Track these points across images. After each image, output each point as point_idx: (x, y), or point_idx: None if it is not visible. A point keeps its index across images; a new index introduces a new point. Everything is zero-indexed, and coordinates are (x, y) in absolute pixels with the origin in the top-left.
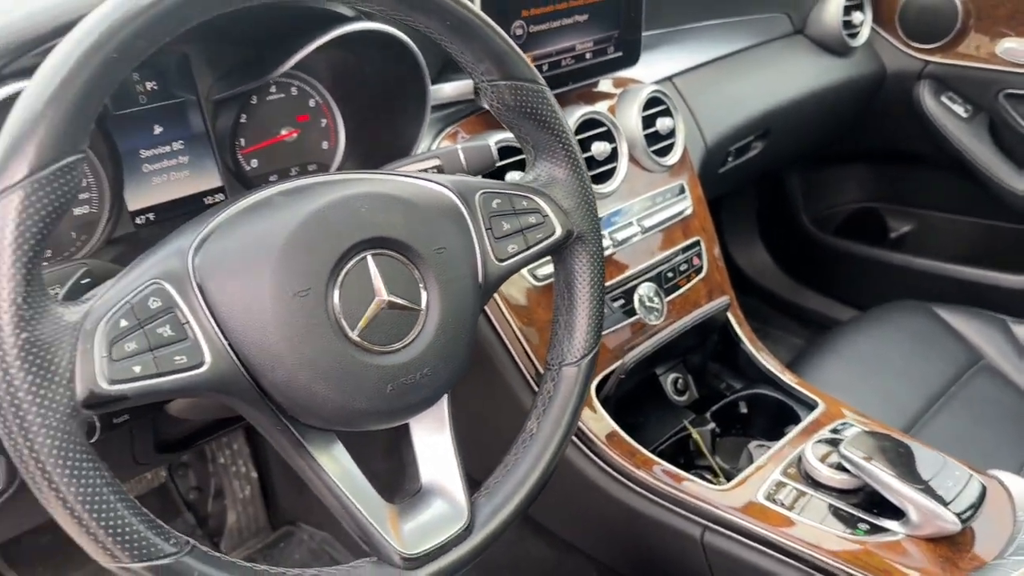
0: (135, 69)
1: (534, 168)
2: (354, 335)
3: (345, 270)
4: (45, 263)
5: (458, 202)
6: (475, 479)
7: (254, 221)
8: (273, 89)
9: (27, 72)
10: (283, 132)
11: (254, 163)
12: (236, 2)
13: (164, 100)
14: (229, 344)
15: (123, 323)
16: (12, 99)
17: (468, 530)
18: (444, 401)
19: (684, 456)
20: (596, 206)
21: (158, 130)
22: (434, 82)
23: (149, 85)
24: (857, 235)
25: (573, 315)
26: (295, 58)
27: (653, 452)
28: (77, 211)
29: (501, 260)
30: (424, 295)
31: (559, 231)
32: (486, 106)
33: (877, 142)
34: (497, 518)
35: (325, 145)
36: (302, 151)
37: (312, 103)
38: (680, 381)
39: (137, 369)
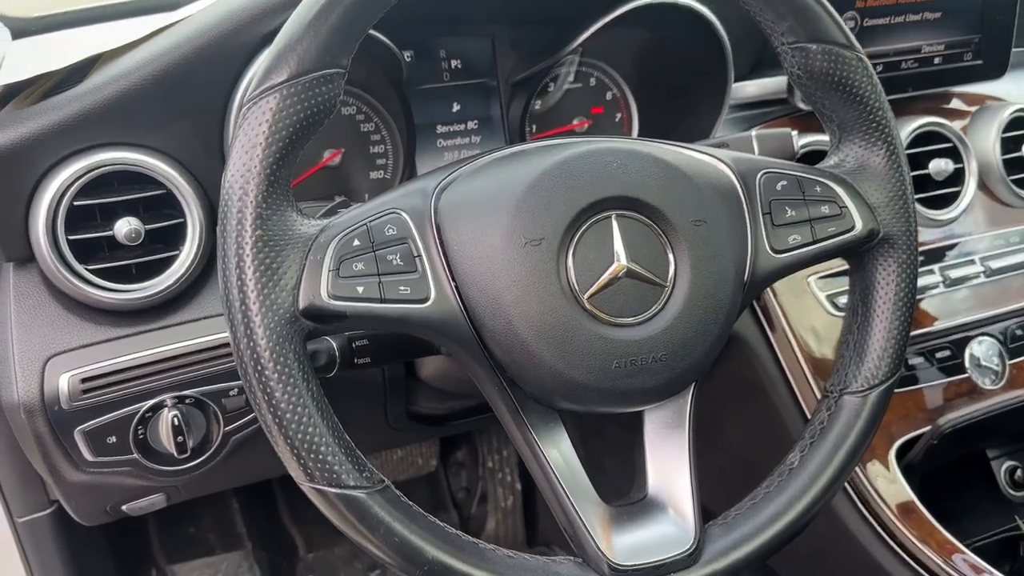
0: (444, 47)
1: (838, 151)
2: (584, 298)
3: (585, 227)
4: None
5: (734, 178)
6: (708, 510)
7: (503, 168)
8: (572, 78)
9: None
10: (575, 122)
11: None
12: None
13: (466, 79)
14: (456, 285)
15: (356, 243)
16: None
17: (692, 558)
18: (686, 406)
19: (1010, 563)
20: (914, 206)
21: (456, 108)
22: (742, 79)
23: (454, 63)
24: None
25: (867, 333)
26: (591, 30)
27: (968, 549)
28: (373, 174)
29: (777, 251)
30: (672, 269)
31: (859, 228)
32: (787, 75)
33: None
34: (730, 556)
35: None
36: None
37: (609, 95)
38: (1020, 472)
39: (360, 290)
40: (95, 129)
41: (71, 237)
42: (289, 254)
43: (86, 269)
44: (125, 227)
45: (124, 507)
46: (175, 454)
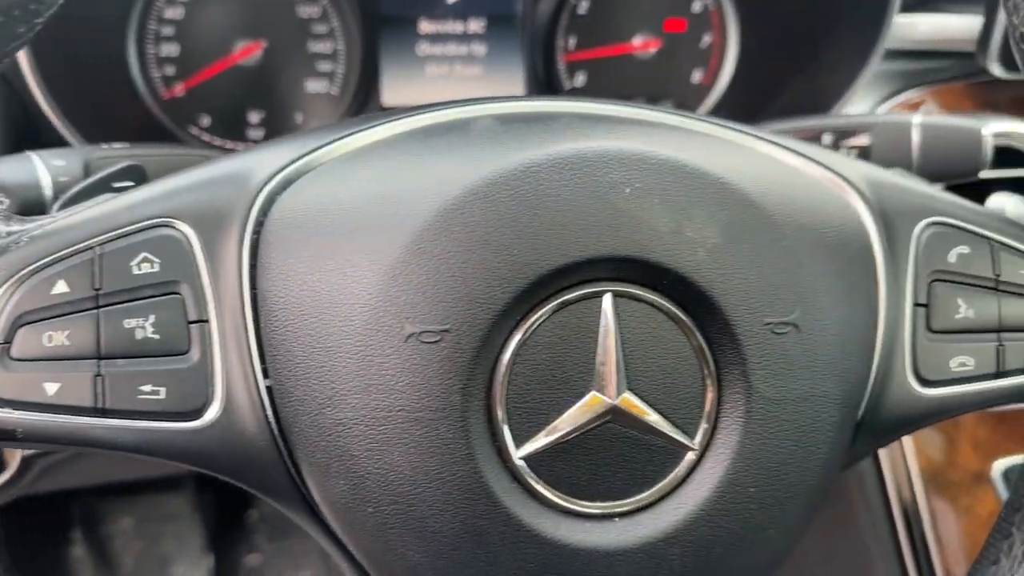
0: None
1: None
2: (516, 457)
3: (541, 313)
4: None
5: (868, 226)
6: None
7: (410, 161)
8: None
9: None
10: (636, 41)
11: (579, 78)
12: None
13: None
14: (265, 389)
15: (61, 287)
16: None
17: None
18: None
19: None
20: None
21: None
22: (909, 9)
23: None
24: None
25: None
26: None
27: None
28: (311, 85)
29: (928, 382)
30: (706, 418)
31: None
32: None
33: None
34: None
35: (697, 77)
36: (657, 78)
37: (698, 6)
38: None
39: (52, 390)
40: None
41: None
42: None
43: None
44: None
45: None
46: None
